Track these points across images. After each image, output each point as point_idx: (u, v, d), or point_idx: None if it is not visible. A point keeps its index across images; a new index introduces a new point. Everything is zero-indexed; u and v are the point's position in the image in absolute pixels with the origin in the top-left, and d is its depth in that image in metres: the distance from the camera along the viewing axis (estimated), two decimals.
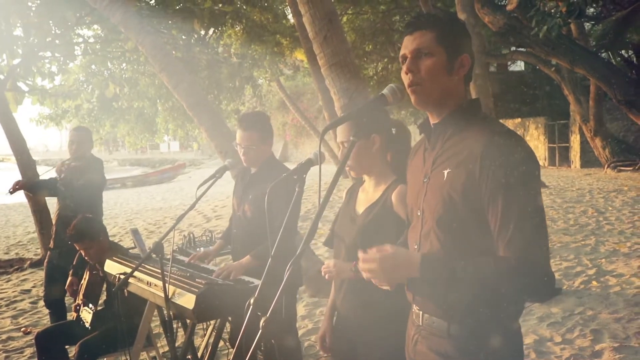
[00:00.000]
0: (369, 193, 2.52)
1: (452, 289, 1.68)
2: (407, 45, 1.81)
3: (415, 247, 1.88)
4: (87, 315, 3.85)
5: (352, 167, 2.48)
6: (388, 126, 2.51)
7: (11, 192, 5.30)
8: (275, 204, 2.51)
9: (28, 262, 9.27)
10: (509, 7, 12.67)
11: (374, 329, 2.40)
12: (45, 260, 5.32)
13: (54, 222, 5.28)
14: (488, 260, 1.64)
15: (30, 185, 5.25)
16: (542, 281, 1.62)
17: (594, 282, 6.05)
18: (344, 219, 2.53)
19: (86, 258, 4.07)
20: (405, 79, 1.81)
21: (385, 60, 17.64)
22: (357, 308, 2.46)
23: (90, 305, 3.88)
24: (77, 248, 4.12)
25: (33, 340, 4.58)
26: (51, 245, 5.19)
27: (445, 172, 1.75)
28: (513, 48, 17.42)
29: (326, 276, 2.42)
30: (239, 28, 14.12)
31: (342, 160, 1.86)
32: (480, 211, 1.67)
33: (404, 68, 1.80)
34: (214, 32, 14.34)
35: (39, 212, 9.17)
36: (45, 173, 5.27)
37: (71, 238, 4.02)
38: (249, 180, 3.56)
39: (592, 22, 17.20)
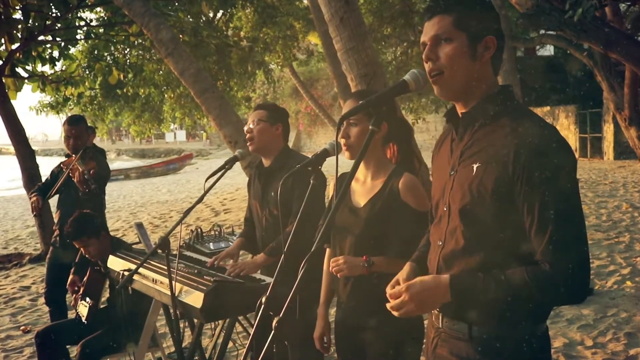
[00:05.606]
0: (366, 184, 2.52)
1: (484, 304, 1.69)
2: (427, 31, 1.79)
3: (440, 243, 1.87)
4: (83, 309, 3.88)
5: (353, 148, 2.47)
6: (395, 114, 2.53)
7: (36, 215, 5.27)
8: (297, 193, 2.48)
9: (27, 258, 9.34)
10: None
11: (384, 323, 2.42)
12: (47, 256, 5.34)
13: (55, 218, 5.28)
14: (521, 271, 1.63)
15: (45, 201, 5.20)
16: (579, 288, 1.62)
17: (628, 282, 6.00)
18: (343, 212, 2.51)
19: (86, 256, 4.09)
20: (426, 67, 1.80)
21: (405, 44, 17.48)
22: (366, 303, 2.49)
23: (87, 299, 3.90)
24: (76, 246, 4.13)
25: (33, 340, 4.63)
26: (57, 242, 5.17)
27: (475, 166, 1.73)
28: (542, 31, 17.24)
29: (338, 274, 2.42)
30: (249, 10, 14.09)
31: (360, 153, 1.84)
32: (511, 209, 1.66)
33: (423, 56, 1.79)
34: (223, 14, 14.32)
35: None
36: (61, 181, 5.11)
37: (69, 236, 4.04)
38: (265, 175, 3.45)
39: (628, 3, 16.97)
